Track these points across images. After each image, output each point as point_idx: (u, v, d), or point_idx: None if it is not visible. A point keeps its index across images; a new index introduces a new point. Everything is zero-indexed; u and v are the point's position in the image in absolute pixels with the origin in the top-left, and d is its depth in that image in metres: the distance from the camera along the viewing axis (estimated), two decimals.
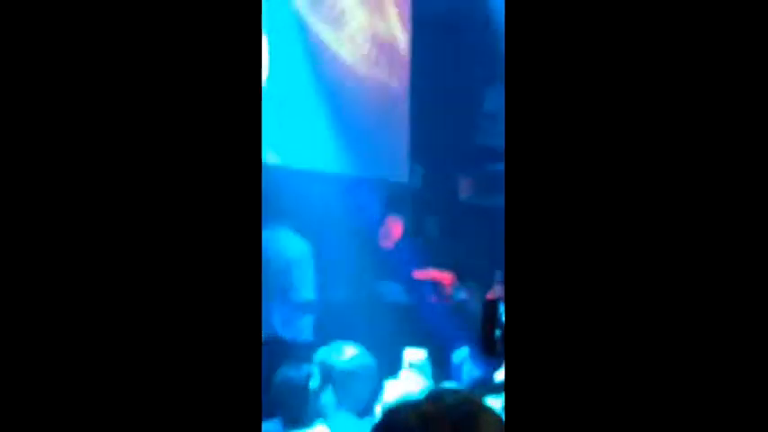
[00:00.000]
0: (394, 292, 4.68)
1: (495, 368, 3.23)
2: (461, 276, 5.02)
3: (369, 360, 3.16)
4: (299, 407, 3.04)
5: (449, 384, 3.20)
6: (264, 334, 3.35)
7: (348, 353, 3.11)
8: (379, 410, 3.04)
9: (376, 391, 3.15)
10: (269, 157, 4.31)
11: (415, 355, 3.36)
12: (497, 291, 4.65)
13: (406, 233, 5.12)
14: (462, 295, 4.79)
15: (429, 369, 3.40)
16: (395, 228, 5.02)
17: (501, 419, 1.44)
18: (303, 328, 3.86)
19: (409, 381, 3.22)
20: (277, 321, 3.72)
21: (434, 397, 1.44)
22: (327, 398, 2.99)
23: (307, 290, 3.81)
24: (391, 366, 3.47)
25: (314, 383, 3.03)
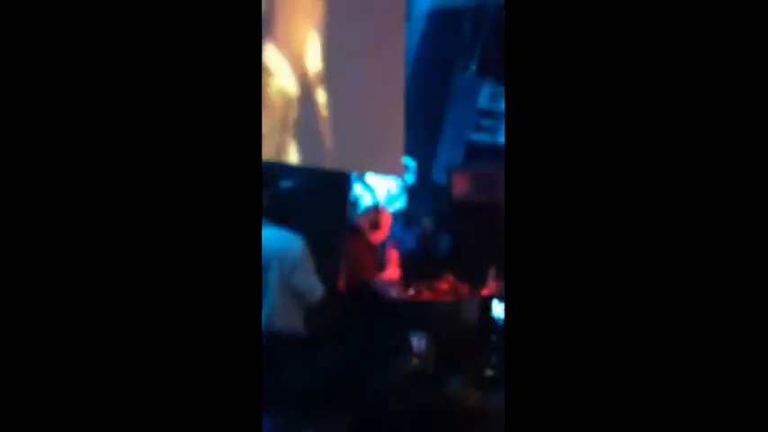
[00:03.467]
0: (387, 287, 4.68)
1: None
2: (457, 272, 5.02)
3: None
4: None
5: None
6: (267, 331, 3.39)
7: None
8: None
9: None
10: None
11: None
12: (491, 287, 4.67)
13: (395, 226, 5.11)
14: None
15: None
16: (385, 220, 4.98)
17: None
18: (296, 323, 3.86)
19: None
20: (283, 319, 3.73)
21: None
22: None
23: (317, 287, 3.82)
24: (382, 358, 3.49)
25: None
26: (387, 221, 4.99)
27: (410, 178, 5.91)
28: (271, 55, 4.45)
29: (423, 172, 6.10)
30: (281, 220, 3.84)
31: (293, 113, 4.66)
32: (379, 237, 4.97)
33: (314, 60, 4.75)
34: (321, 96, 4.81)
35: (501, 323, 4.14)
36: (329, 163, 4.86)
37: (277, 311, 3.65)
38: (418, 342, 3.33)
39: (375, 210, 5.06)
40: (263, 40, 4.38)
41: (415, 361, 3.28)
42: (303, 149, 4.70)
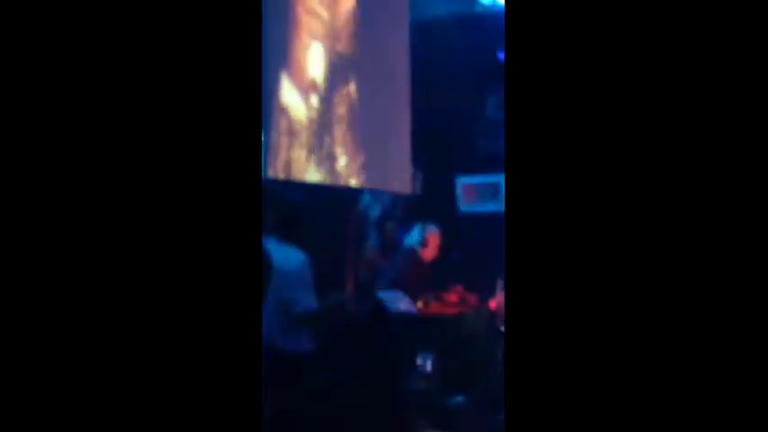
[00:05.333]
0: (396, 300, 4.68)
1: None
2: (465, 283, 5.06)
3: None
4: None
5: None
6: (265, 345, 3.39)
7: None
8: None
9: None
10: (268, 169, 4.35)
11: None
12: (499, 298, 4.67)
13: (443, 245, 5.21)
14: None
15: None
16: (432, 239, 5.14)
17: None
18: (302, 338, 3.87)
19: None
20: (278, 333, 3.74)
21: None
22: None
23: (307, 300, 3.83)
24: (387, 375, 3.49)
25: None
26: (434, 240, 5.12)
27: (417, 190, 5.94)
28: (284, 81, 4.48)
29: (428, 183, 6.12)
30: (287, 237, 3.85)
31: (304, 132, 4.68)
32: (427, 255, 5.10)
33: (323, 80, 4.78)
34: (329, 113, 4.83)
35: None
36: (340, 180, 4.88)
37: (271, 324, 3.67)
38: (425, 362, 3.33)
39: (423, 229, 5.19)
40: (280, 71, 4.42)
41: (422, 383, 3.28)
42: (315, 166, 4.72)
